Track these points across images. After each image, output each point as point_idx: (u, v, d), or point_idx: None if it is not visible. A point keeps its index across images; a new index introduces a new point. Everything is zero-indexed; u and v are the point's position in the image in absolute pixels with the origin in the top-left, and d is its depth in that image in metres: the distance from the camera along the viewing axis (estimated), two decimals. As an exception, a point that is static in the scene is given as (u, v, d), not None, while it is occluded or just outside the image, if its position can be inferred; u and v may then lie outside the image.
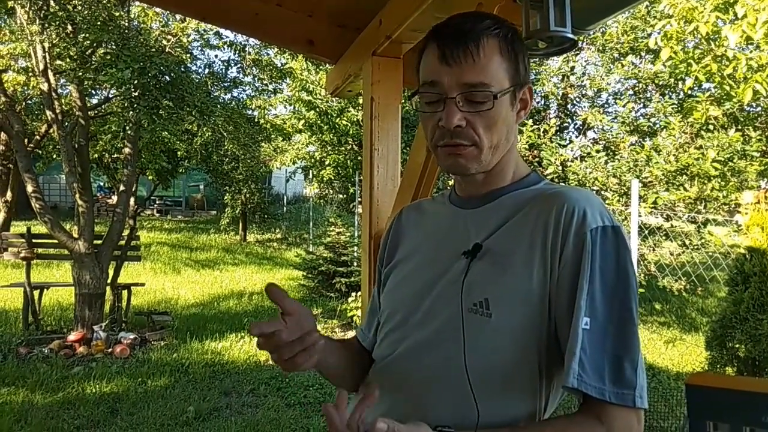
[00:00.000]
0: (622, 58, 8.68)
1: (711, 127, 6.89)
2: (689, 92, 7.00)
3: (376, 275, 1.24)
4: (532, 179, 1.06)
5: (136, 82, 5.90)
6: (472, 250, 0.98)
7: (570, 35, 1.23)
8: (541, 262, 0.92)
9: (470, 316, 0.94)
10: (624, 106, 8.26)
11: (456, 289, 0.97)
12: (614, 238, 0.90)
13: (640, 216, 4.98)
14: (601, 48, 8.76)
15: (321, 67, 10.58)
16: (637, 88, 8.90)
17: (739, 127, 7.15)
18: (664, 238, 6.72)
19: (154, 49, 6.42)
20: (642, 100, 8.82)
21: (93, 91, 8.52)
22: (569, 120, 9.78)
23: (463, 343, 0.93)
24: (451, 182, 1.17)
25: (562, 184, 5.81)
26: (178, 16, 7.46)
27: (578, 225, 0.90)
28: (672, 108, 7.61)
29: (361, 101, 2.26)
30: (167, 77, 6.34)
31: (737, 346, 4.02)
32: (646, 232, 6.06)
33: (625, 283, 0.89)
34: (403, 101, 2.14)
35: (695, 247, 6.66)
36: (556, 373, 0.93)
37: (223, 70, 8.81)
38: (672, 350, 6.70)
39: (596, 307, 0.86)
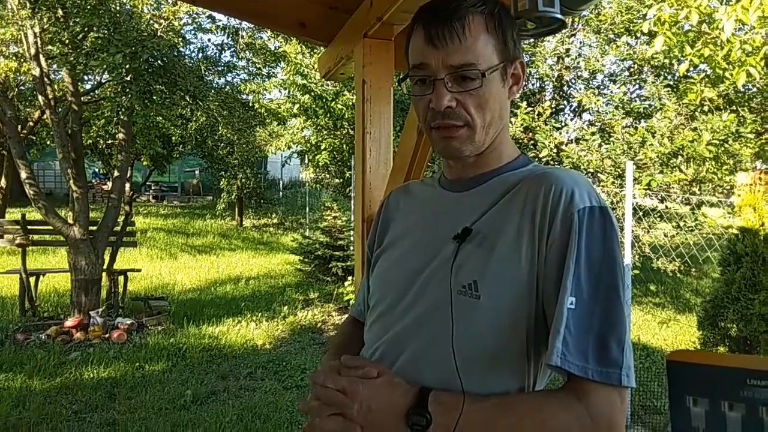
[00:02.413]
0: (617, 39, 8.63)
1: (706, 108, 6.88)
2: (685, 73, 6.96)
3: (366, 259, 1.25)
4: (521, 162, 1.07)
5: (128, 66, 5.85)
6: (461, 234, 0.98)
7: (559, 15, 1.23)
8: (529, 243, 0.92)
9: (459, 298, 0.94)
10: (618, 88, 8.23)
11: (445, 272, 0.97)
12: (601, 219, 0.90)
13: (634, 198, 4.98)
14: (596, 29, 8.71)
15: (315, 50, 10.49)
16: (632, 69, 8.86)
17: (734, 108, 7.14)
18: (658, 219, 6.75)
19: (145, 33, 6.36)
20: (637, 82, 8.79)
21: (85, 77, 8.44)
22: (565, 102, 9.74)
23: (452, 325, 0.93)
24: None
25: (553, 165, 5.81)
26: (169, 0, 7.38)
27: (566, 205, 0.90)
28: (666, 92, 7.58)
29: (354, 84, 2.25)
30: (159, 61, 6.29)
31: (729, 325, 4.06)
32: (641, 213, 6.08)
33: (612, 263, 0.89)
34: (395, 84, 2.13)
35: (689, 228, 6.69)
36: (543, 353, 0.93)
37: (217, 54, 8.72)
38: (666, 330, 6.76)
39: (582, 287, 0.87)
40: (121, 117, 6.57)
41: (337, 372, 0.96)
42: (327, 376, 0.94)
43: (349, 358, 1.01)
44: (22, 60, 6.83)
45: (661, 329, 6.80)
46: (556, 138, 7.36)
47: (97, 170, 20.75)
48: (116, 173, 6.95)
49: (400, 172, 2.02)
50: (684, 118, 6.97)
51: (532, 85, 9.38)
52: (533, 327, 0.92)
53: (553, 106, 8.67)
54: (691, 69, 6.52)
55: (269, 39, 10.80)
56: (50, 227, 6.43)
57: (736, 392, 0.61)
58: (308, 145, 12.31)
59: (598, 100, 8.19)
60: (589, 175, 6.85)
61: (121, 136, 6.90)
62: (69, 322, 5.99)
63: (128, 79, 6.01)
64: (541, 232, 0.92)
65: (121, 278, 6.82)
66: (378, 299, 1.11)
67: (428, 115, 0.99)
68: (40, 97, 6.32)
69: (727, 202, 6.18)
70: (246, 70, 10.74)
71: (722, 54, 5.23)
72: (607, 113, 7.85)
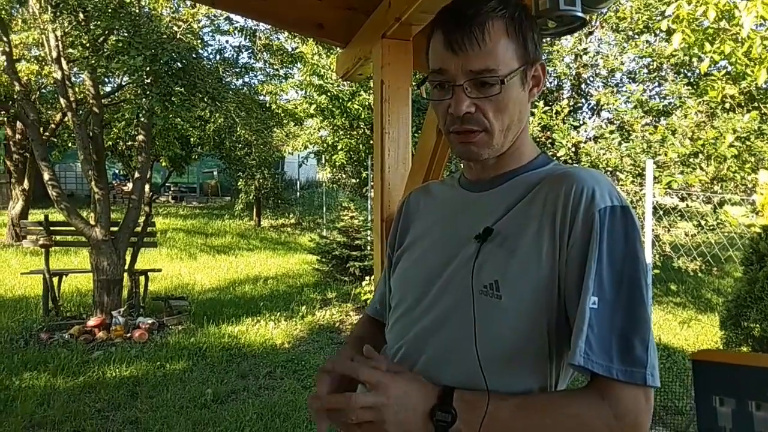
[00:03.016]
0: (636, 37, 8.54)
1: (727, 105, 6.78)
2: (706, 70, 6.87)
3: (386, 259, 1.25)
4: (541, 161, 1.06)
5: (148, 69, 5.91)
6: (482, 234, 0.98)
7: (580, 14, 1.22)
8: (550, 242, 0.92)
9: (481, 298, 0.94)
10: (637, 86, 8.16)
11: (466, 272, 0.97)
12: (623, 218, 0.90)
13: (654, 197, 4.93)
14: (614, 27, 8.63)
15: (332, 51, 10.54)
16: (651, 67, 8.76)
17: (756, 105, 7.02)
18: (679, 218, 6.66)
19: (165, 36, 6.43)
20: (657, 79, 8.69)
21: (106, 79, 8.56)
22: (583, 100, 9.67)
23: (474, 324, 0.93)
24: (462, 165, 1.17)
25: (572, 164, 5.76)
26: (188, 2, 7.45)
27: (587, 205, 0.90)
28: (686, 90, 7.49)
29: (372, 84, 2.26)
30: (179, 64, 6.35)
31: (752, 325, 4.00)
32: (661, 212, 6.01)
33: (634, 262, 0.88)
34: (413, 84, 2.13)
35: (711, 227, 6.59)
36: (565, 353, 0.93)
37: (234, 56, 8.80)
38: (687, 330, 6.67)
39: (604, 286, 0.86)
40: (141, 119, 6.64)
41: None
42: (358, 369, 0.92)
43: (372, 351, 1.00)
44: (43, 63, 6.96)
45: (683, 329, 6.71)
46: (573, 137, 7.30)
47: (117, 172, 21.01)
48: (136, 174, 7.03)
49: (419, 172, 2.02)
50: (705, 116, 6.87)
51: (550, 83, 9.32)
52: (555, 327, 0.92)
53: (570, 104, 8.61)
54: (712, 66, 6.43)
55: (286, 40, 10.87)
56: (72, 228, 6.52)
57: (763, 392, 0.61)
58: (325, 145, 12.38)
59: (616, 99, 8.11)
60: (608, 173, 6.79)
61: (141, 137, 6.98)
62: (91, 322, 6.07)
63: (148, 81, 6.08)
64: (562, 232, 0.92)
65: (142, 278, 6.90)
66: (399, 300, 1.11)
67: (447, 119, 0.99)
68: (61, 100, 6.42)
69: (749, 201, 6.09)
70: (263, 71, 10.82)
71: (743, 50, 5.15)
72: (626, 112, 7.75)
